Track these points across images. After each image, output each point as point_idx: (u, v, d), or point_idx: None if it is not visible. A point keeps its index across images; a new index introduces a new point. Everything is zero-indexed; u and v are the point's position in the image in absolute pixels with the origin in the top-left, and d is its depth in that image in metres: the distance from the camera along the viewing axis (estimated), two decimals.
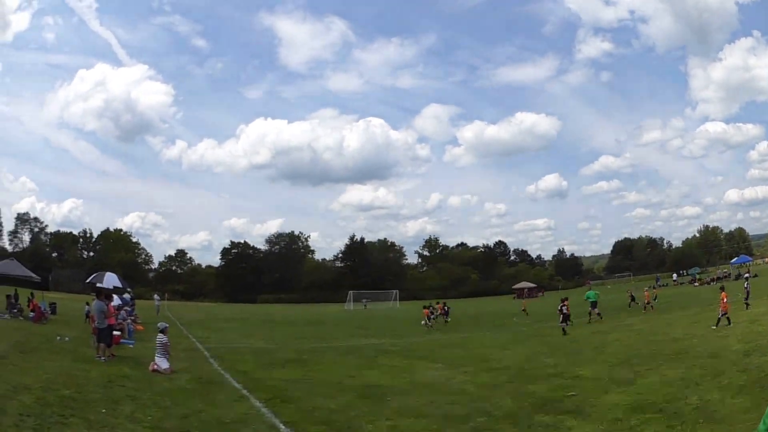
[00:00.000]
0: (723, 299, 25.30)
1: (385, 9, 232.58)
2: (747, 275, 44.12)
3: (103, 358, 18.40)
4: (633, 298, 45.24)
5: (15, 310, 32.42)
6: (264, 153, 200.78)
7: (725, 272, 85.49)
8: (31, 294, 36.45)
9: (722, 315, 24.77)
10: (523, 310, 52.18)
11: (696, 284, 78.00)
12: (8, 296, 34.10)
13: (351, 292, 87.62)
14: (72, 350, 20.52)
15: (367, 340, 30.22)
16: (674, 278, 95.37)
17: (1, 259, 42.97)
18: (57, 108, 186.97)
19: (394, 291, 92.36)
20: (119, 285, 30.01)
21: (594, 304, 36.70)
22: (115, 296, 29.95)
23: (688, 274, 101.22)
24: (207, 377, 16.60)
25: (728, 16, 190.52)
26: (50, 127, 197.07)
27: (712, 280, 78.05)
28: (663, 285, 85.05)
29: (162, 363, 16.98)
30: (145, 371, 16.84)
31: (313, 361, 21.07)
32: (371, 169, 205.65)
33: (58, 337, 23.67)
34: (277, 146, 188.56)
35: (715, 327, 23.95)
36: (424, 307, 42.15)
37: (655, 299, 42.64)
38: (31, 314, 31.82)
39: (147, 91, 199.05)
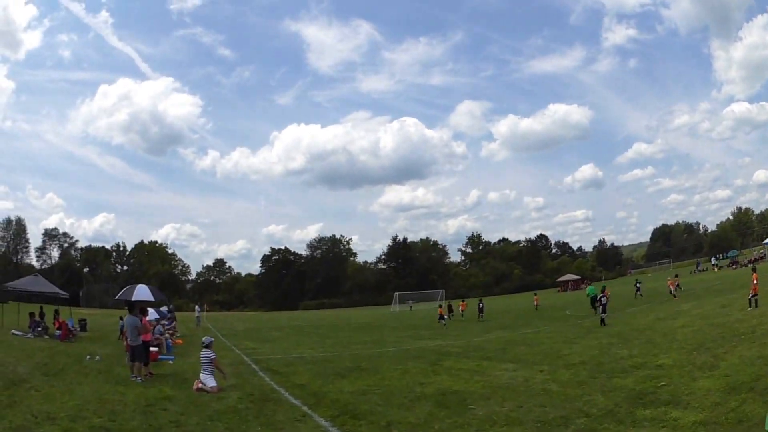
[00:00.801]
0: (754, 281, 25.53)
1: (409, 9, 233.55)
2: None
3: (139, 378, 16.75)
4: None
5: (39, 329, 31.01)
6: (299, 158, 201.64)
7: (762, 253, 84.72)
8: (56, 311, 34.90)
9: (752, 296, 24.82)
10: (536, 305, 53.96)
11: (734, 267, 76.39)
12: (31, 314, 32.66)
13: (397, 293, 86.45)
14: (104, 371, 18.80)
15: (423, 343, 28.28)
16: (713, 262, 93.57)
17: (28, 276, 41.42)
18: (80, 123, 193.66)
19: (441, 290, 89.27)
20: (151, 298, 28.03)
21: (593, 300, 39.02)
22: (151, 310, 28.72)
23: (726, 257, 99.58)
24: (260, 394, 14.65)
25: None
26: (74, 143, 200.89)
27: (749, 261, 76.50)
28: (703, 270, 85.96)
29: (208, 381, 15.15)
30: (188, 391, 15.04)
31: (373, 368, 19.03)
32: (409, 169, 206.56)
33: (88, 357, 22.09)
34: (312, 151, 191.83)
35: (749, 309, 23.95)
36: (440, 306, 43.92)
37: (678, 287, 42.91)
38: (57, 332, 30.36)
39: (174, 103, 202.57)
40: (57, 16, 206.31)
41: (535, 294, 67.11)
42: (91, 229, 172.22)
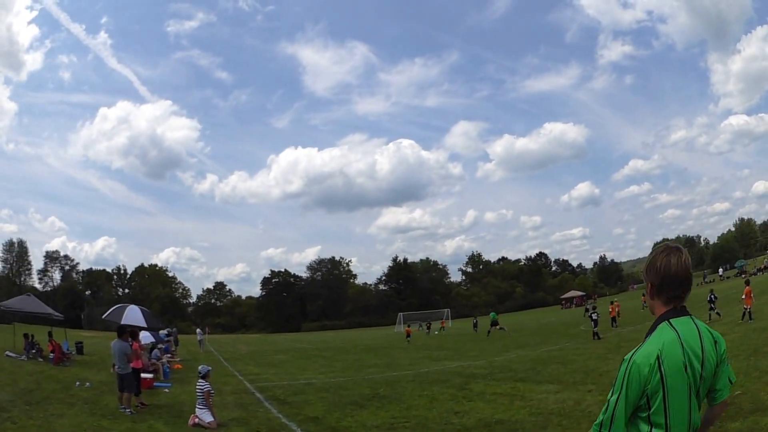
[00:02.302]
0: (747, 295, 25.11)
1: (405, 30, 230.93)
2: None
3: (128, 410, 14.55)
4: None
5: (34, 351, 28.97)
6: (296, 182, 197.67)
7: None
8: (50, 332, 32.61)
9: (746, 310, 24.68)
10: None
11: (743, 276, 74.07)
12: (25, 335, 30.54)
13: (401, 314, 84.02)
14: (92, 400, 16.56)
15: (441, 364, 25.75)
16: (720, 273, 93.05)
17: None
18: (81, 147, 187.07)
19: (446, 310, 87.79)
20: (143, 324, 25.41)
21: (494, 322, 44.97)
22: (145, 333, 26.76)
23: (733, 267, 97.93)
24: (268, 429, 12.32)
25: (743, 5, 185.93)
26: (75, 167, 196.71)
27: (759, 270, 76.76)
28: (710, 281, 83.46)
29: (205, 416, 12.74)
30: (184, 426, 12.87)
31: (395, 395, 16.51)
32: (406, 191, 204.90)
33: (78, 383, 19.83)
34: (309, 174, 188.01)
35: (741, 321, 24.01)
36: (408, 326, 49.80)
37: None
38: (51, 355, 28.25)
39: (172, 126, 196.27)
40: (58, 37, 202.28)
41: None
42: (92, 252, 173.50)
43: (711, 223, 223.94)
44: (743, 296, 25.57)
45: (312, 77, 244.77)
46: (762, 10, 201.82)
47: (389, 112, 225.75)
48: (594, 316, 31.60)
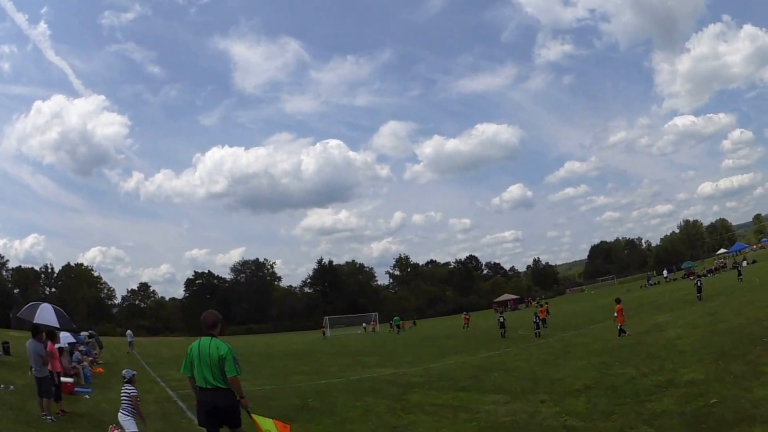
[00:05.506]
0: (618, 312, 26.11)
1: (339, 27, 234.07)
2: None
3: (49, 417, 13.85)
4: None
5: None
6: (222, 182, 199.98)
7: (722, 262, 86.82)
8: None
9: (620, 326, 25.69)
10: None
11: (692, 278, 75.77)
12: None
13: (327, 317, 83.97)
14: (17, 405, 15.94)
15: (372, 371, 25.10)
16: (665, 275, 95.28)
17: None
18: (15, 141, 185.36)
19: (373, 314, 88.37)
20: (55, 324, 24.06)
21: (396, 326, 58.27)
22: (65, 333, 25.98)
23: (680, 269, 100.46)
24: None
25: (695, 2, 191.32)
26: (8, 161, 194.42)
27: (709, 271, 78.19)
28: (654, 283, 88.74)
29: (128, 425, 11.60)
30: None
31: (326, 407, 15.78)
32: (331, 192, 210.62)
33: (2, 386, 19.16)
34: (235, 174, 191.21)
35: (626, 335, 25.12)
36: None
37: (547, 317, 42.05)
38: None
39: (103, 122, 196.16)
40: (3, 27, 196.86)
41: (465, 314, 66.51)
42: (22, 250, 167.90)
43: (653, 225, 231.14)
44: (615, 314, 26.38)
45: (242, 74, 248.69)
46: (715, 7, 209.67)
47: (318, 111, 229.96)
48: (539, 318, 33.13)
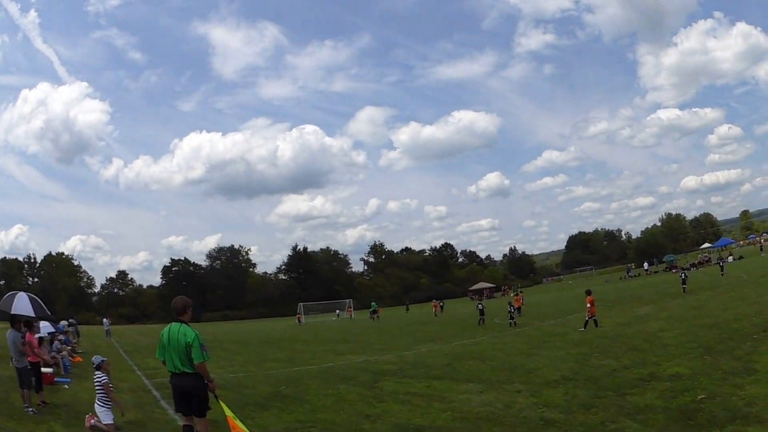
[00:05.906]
0: (588, 303, 26.23)
1: (318, 11, 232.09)
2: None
3: (30, 409, 13.68)
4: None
5: None
6: (199, 168, 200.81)
7: (706, 257, 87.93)
8: None
9: (589, 318, 25.88)
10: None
11: (675, 271, 76.48)
12: None
13: (301, 304, 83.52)
14: (1, 397, 15.63)
15: (345, 359, 24.83)
16: (646, 268, 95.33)
17: None
18: (2, 131, 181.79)
19: (348, 300, 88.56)
20: (31, 313, 23.58)
21: (374, 312, 60.82)
22: (44, 323, 25.17)
23: (662, 262, 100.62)
24: None
25: None
26: None
27: (693, 265, 78.43)
28: (634, 275, 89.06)
29: (104, 416, 11.30)
30: (82, 428, 11.88)
31: (298, 394, 15.55)
32: (307, 178, 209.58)
33: None
34: (212, 160, 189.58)
35: (583, 329, 25.26)
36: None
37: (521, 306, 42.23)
38: None
39: (85, 109, 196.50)
40: None
41: (434, 302, 69.96)
42: (7, 241, 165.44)
43: (633, 218, 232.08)
44: (588, 305, 26.34)
45: (221, 59, 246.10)
46: (707, 4, 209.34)
47: (295, 96, 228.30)
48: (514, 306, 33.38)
